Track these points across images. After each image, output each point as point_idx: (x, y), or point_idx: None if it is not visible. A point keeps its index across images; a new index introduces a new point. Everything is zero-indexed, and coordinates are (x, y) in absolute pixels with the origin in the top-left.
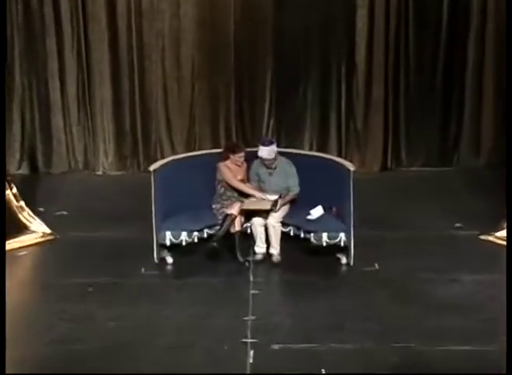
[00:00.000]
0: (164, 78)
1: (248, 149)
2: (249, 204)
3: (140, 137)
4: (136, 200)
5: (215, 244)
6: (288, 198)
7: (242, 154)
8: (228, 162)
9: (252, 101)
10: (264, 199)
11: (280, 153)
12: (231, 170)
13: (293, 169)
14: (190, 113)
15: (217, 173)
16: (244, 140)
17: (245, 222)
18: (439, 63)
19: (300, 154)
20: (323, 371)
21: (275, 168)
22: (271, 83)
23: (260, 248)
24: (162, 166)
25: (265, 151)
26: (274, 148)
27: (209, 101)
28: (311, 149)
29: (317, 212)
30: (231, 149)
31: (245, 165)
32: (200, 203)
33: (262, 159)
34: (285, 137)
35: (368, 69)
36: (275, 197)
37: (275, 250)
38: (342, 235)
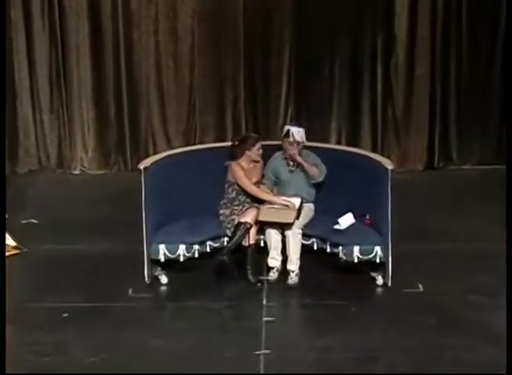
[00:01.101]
0: (157, 54)
1: (262, 142)
2: (267, 213)
3: (127, 127)
4: (122, 205)
5: (224, 257)
6: (309, 167)
7: (259, 144)
8: (242, 161)
9: (266, 84)
10: (286, 206)
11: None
12: (245, 171)
13: (316, 158)
14: (189, 98)
15: (228, 174)
16: (256, 131)
17: (259, 232)
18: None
19: (326, 149)
20: None
21: (297, 165)
22: (289, 62)
23: (275, 260)
24: (155, 163)
25: (295, 131)
26: (302, 130)
27: (213, 84)
28: (338, 143)
29: (346, 220)
30: (247, 142)
31: (261, 162)
32: (202, 209)
33: (286, 151)
34: (306, 127)
35: (410, 43)
36: (297, 200)
37: (293, 266)
38: (377, 249)
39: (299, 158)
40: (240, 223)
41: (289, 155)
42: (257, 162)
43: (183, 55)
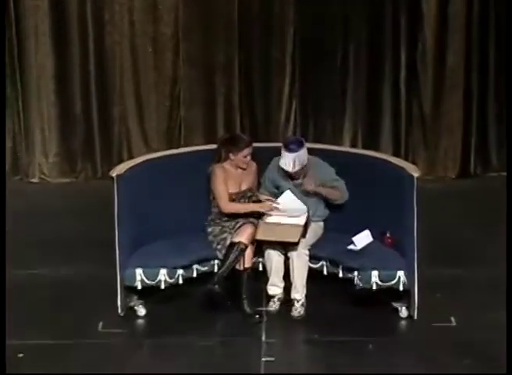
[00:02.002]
0: (132, 37)
1: (260, 144)
2: (267, 230)
3: (96, 126)
4: (90, 221)
5: (215, 287)
6: (329, 192)
7: (248, 150)
8: (227, 164)
9: (265, 74)
10: (289, 219)
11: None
12: (230, 177)
13: (329, 169)
14: (171, 91)
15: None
16: (253, 131)
17: (256, 253)
18: None
19: (338, 152)
20: None
21: (303, 177)
22: (293, 47)
23: (276, 287)
24: (130, 170)
25: (290, 160)
26: (303, 152)
27: (201, 73)
28: (354, 145)
29: (363, 239)
30: (231, 143)
31: (254, 166)
32: (188, 225)
33: (284, 170)
34: (314, 127)
35: (441, 25)
36: (303, 209)
37: (298, 294)
38: (401, 274)
39: (312, 189)
40: (232, 244)
41: (303, 188)
42: (243, 169)
43: (165, 38)
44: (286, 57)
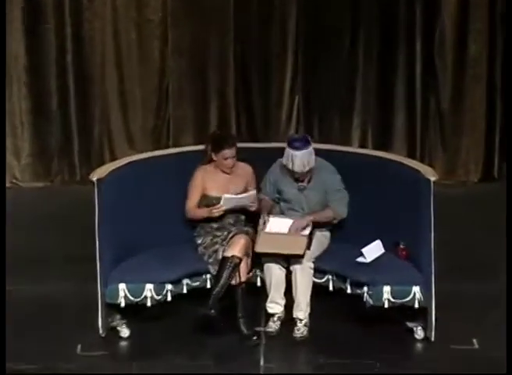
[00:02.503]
0: (115, 24)
1: (258, 144)
2: (267, 241)
3: (74, 123)
4: (68, 230)
5: (212, 312)
6: (321, 215)
7: (229, 152)
8: (211, 166)
9: (264, 66)
10: (290, 226)
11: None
12: (213, 179)
13: (335, 177)
14: (159, 84)
15: None
16: (251, 130)
17: (254, 265)
18: None
19: (345, 153)
20: None
21: (309, 180)
22: (295, 36)
23: (276, 305)
24: (112, 173)
25: (298, 159)
26: (311, 151)
27: (192, 65)
28: (362, 146)
29: (373, 251)
30: (213, 142)
31: (247, 169)
32: (177, 235)
33: (292, 171)
34: (319, 124)
35: (462, 11)
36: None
37: (302, 312)
38: (416, 290)
39: (303, 225)
40: (225, 259)
41: None
42: (226, 173)
43: (151, 25)
44: (287, 48)
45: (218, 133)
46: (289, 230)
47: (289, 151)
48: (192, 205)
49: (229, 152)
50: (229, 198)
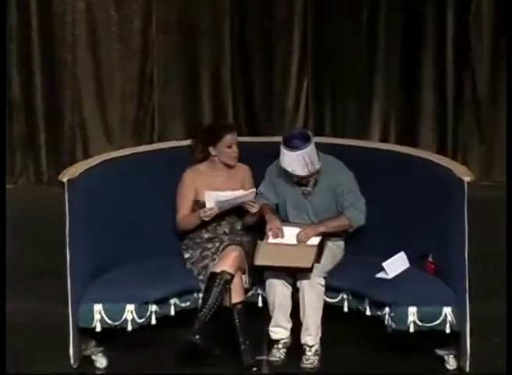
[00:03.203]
0: None
1: (258, 139)
2: (270, 253)
3: (41, 115)
4: (33, 240)
5: (196, 338)
6: (334, 223)
7: (231, 137)
8: (203, 166)
9: (267, 42)
10: (297, 235)
11: (321, 147)
12: (205, 183)
13: (346, 176)
14: (142, 67)
15: None
16: (250, 121)
17: (251, 282)
18: None
19: (363, 149)
20: None
21: (315, 183)
22: (304, 4)
23: (281, 330)
24: (86, 173)
25: (295, 161)
26: (310, 149)
27: (181, 43)
28: (384, 140)
29: (396, 264)
30: (208, 134)
31: (244, 169)
32: (162, 246)
33: (292, 175)
34: (331, 114)
35: None
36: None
37: (311, 338)
38: (447, 312)
39: (311, 237)
40: (213, 275)
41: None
42: (229, 166)
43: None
44: (294, 21)
45: (211, 123)
46: (296, 239)
47: (284, 152)
48: (183, 215)
49: (230, 138)
50: (216, 198)
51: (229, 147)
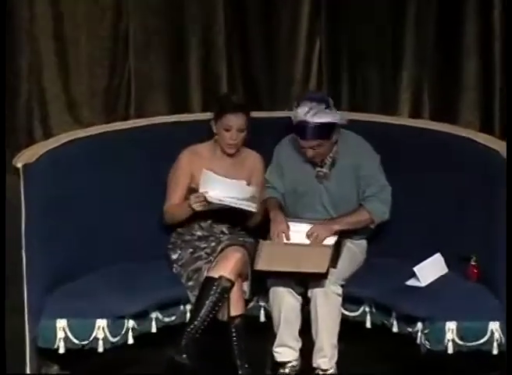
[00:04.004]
0: None
1: (261, 114)
2: (274, 255)
3: None
4: None
5: (183, 357)
6: (352, 219)
7: (234, 118)
8: (206, 147)
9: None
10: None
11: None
12: (207, 166)
13: (372, 159)
14: (113, 27)
15: None
16: (251, 94)
17: (252, 292)
18: None
19: (390, 126)
20: None
21: (332, 163)
22: None
23: (287, 349)
24: (46, 156)
25: (304, 108)
26: (329, 113)
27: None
28: (416, 115)
29: (431, 269)
30: (215, 105)
31: (257, 159)
32: (142, 248)
33: (304, 152)
34: (349, 85)
35: None
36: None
37: (326, 360)
38: (494, 328)
39: (326, 236)
40: (209, 281)
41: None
42: (228, 154)
43: None
44: None
45: (225, 93)
46: (307, 237)
47: (300, 109)
48: (172, 204)
49: (231, 119)
50: (214, 179)
51: (227, 130)
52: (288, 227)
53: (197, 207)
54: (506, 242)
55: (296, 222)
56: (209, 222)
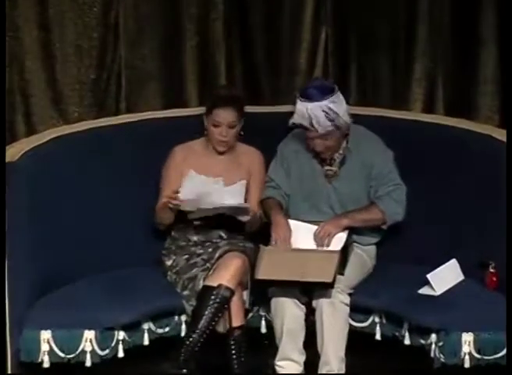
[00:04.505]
0: None
1: (262, 109)
2: (276, 263)
3: None
4: None
5: (183, 372)
6: (363, 216)
7: (222, 112)
8: (197, 143)
9: None
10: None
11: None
12: (199, 163)
13: (384, 156)
14: (103, 15)
15: None
16: (252, 86)
17: (252, 301)
18: None
19: (401, 122)
20: None
21: (342, 162)
22: None
23: (290, 363)
24: (31, 153)
25: (303, 114)
26: (333, 106)
27: None
28: (429, 110)
29: (445, 276)
30: (209, 98)
31: (257, 157)
32: (133, 254)
33: (310, 145)
34: (358, 75)
35: None
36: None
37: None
38: None
39: (335, 232)
40: (207, 290)
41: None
42: (219, 152)
43: None
44: None
45: (220, 86)
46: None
47: (296, 104)
48: (160, 203)
49: (220, 114)
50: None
51: (216, 126)
52: (290, 232)
53: (172, 206)
54: None
55: (300, 222)
56: (206, 227)
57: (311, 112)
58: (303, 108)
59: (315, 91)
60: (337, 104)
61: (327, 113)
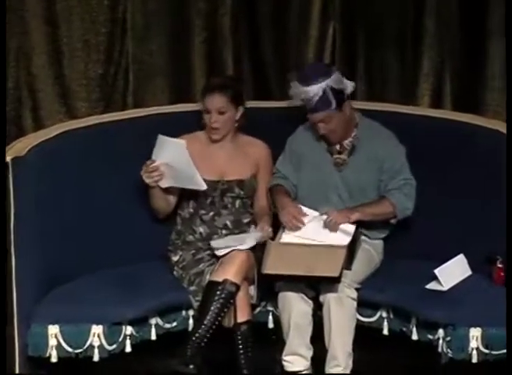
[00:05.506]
0: None
1: (270, 104)
2: (283, 257)
3: None
4: None
5: (190, 368)
6: (374, 209)
7: (212, 99)
8: (203, 133)
9: None
10: (323, 235)
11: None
12: (204, 155)
13: (396, 150)
14: (110, 10)
15: None
16: (260, 81)
17: (259, 296)
18: None
19: (409, 117)
20: None
21: (351, 150)
22: None
23: (297, 358)
24: (37, 149)
25: (299, 95)
26: (325, 90)
27: None
28: (437, 105)
29: (453, 271)
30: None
31: (264, 150)
32: (140, 249)
33: (311, 121)
34: (366, 70)
35: None
36: (348, 228)
37: (339, 369)
38: None
39: (342, 222)
40: (212, 285)
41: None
42: (215, 139)
43: None
44: None
45: (216, 74)
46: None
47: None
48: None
49: (209, 101)
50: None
51: (207, 112)
52: (300, 210)
53: (146, 179)
54: None
55: (307, 217)
56: (211, 214)
57: (312, 93)
58: (302, 90)
59: (313, 73)
60: (337, 81)
61: (326, 93)
